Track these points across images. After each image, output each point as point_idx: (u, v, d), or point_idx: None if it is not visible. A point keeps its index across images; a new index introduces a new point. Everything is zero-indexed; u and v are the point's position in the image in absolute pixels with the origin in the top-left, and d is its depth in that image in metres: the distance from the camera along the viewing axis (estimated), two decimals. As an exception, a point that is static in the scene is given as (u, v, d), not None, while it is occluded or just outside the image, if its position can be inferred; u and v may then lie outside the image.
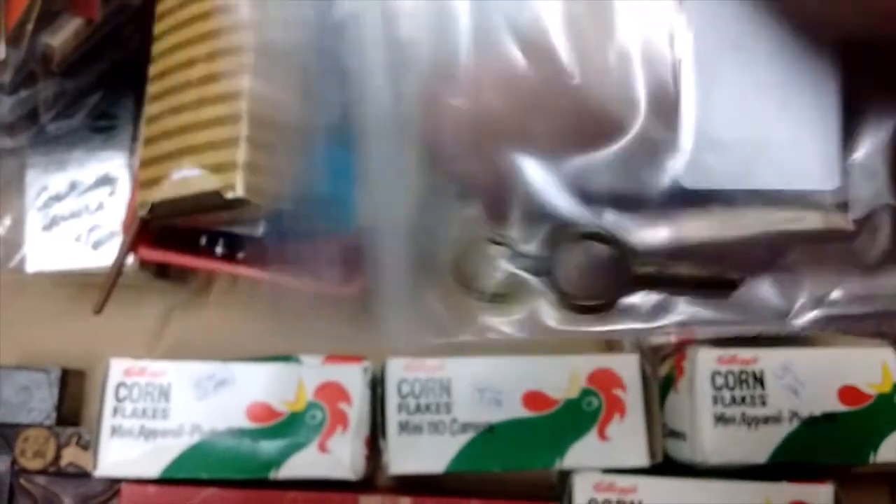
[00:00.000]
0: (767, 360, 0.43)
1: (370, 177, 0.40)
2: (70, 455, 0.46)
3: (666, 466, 0.44)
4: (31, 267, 0.47)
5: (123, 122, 0.49)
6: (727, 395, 0.43)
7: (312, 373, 0.44)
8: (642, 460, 0.43)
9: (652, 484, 0.42)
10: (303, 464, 0.43)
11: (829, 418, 0.43)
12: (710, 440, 0.42)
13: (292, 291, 0.49)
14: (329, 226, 0.41)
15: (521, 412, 0.43)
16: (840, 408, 0.43)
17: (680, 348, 0.45)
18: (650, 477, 0.43)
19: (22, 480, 0.46)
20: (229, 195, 0.38)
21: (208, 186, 0.39)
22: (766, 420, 0.43)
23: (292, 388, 0.44)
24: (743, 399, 0.43)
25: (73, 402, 0.49)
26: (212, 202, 0.39)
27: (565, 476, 0.44)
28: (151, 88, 0.43)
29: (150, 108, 0.43)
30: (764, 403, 0.43)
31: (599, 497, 0.42)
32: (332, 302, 0.50)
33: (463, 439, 0.43)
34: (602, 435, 0.43)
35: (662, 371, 0.47)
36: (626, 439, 0.43)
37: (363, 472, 0.43)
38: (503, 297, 0.42)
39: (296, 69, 0.41)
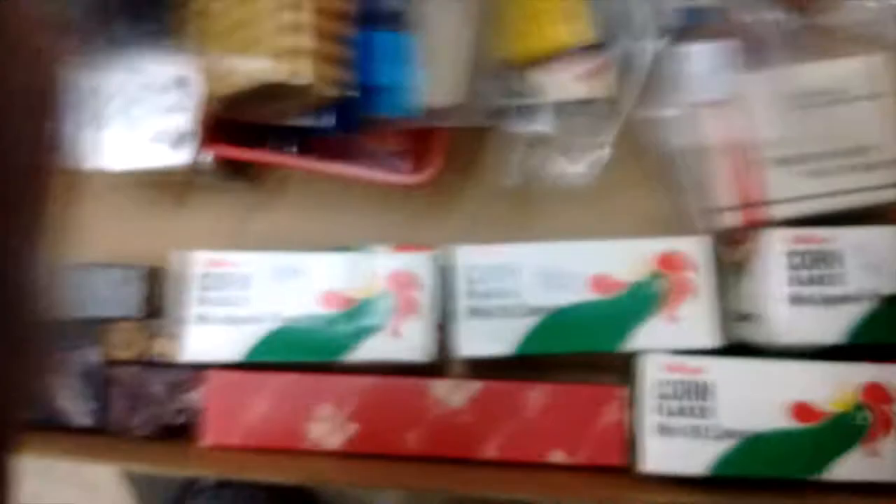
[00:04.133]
0: (846, 239, 0.42)
1: (433, 58, 0.40)
2: (159, 346, 0.49)
3: (737, 350, 0.44)
4: (112, 166, 0.49)
5: (167, 25, 0.50)
6: (804, 274, 0.42)
7: (384, 261, 0.45)
8: (712, 341, 0.43)
9: (721, 364, 0.42)
10: (376, 347, 0.44)
11: (910, 297, 0.42)
12: (784, 320, 0.42)
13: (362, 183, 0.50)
14: (392, 111, 0.41)
15: (589, 295, 0.44)
16: (922, 287, 0.42)
17: (752, 231, 0.45)
18: (720, 358, 0.43)
19: (114, 370, 0.49)
20: (296, 82, 0.39)
21: (276, 75, 0.40)
22: (845, 299, 0.42)
23: (365, 276, 0.45)
24: (821, 278, 0.42)
25: (159, 298, 0.51)
26: (280, 91, 0.40)
27: (635, 358, 0.44)
28: (215, -14, 0.44)
29: (213, 5, 0.44)
30: (842, 282, 0.42)
31: (668, 378, 0.42)
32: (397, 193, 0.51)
33: (531, 322, 0.44)
34: (670, 317, 0.43)
35: (736, 256, 0.47)
36: (696, 321, 0.43)
37: (434, 354, 0.44)
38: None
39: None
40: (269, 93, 0.41)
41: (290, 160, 0.47)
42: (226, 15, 0.43)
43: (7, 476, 0.20)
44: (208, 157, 0.47)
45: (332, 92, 0.40)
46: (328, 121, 0.42)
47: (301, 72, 0.39)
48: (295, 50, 0.39)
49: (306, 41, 0.39)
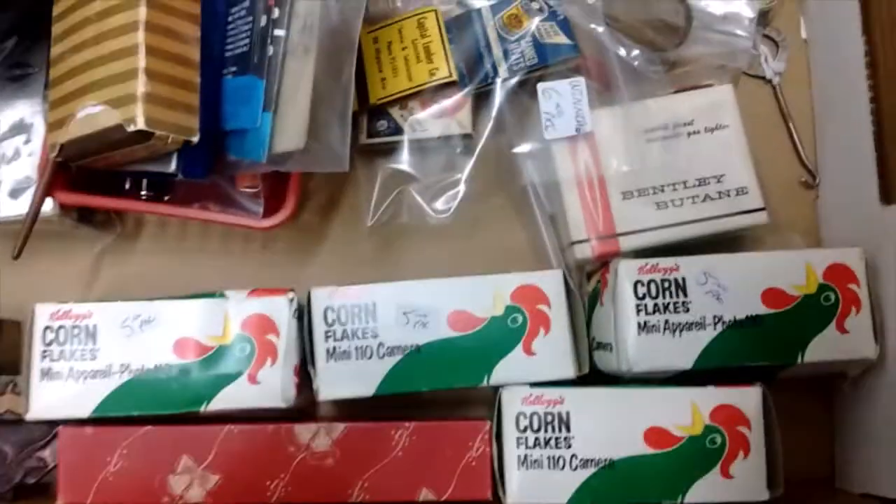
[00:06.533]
0: (689, 267, 0.44)
1: (278, 103, 0.40)
2: (7, 403, 0.46)
3: (596, 379, 0.45)
4: (-48, 219, 0.47)
5: (37, 70, 0.48)
6: (650, 303, 0.43)
7: (238, 307, 0.44)
8: (568, 372, 0.43)
9: (578, 394, 0.43)
10: (234, 396, 0.43)
11: (753, 321, 0.43)
12: (634, 348, 0.43)
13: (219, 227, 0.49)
14: (240, 155, 0.41)
15: (448, 332, 0.44)
16: (764, 310, 0.43)
17: (605, 263, 0.46)
18: (576, 388, 0.43)
19: (-38, 431, 0.47)
20: (131, 128, 0.38)
21: (111, 121, 0.39)
22: (690, 326, 0.43)
23: (219, 322, 0.44)
24: (666, 307, 0.43)
25: (10, 352, 0.49)
26: (117, 137, 0.39)
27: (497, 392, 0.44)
28: (55, 29, 0.43)
29: (54, 49, 0.43)
30: (687, 310, 0.43)
31: (527, 410, 0.43)
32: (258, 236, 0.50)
33: (390, 362, 0.43)
34: (528, 350, 0.44)
35: (589, 287, 0.48)
36: (552, 353, 0.44)
37: (294, 400, 0.43)
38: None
39: None
40: (110, 139, 0.39)
41: (139, 205, 0.46)
42: (64, 61, 0.42)
43: None
44: (51, 204, 0.45)
45: (173, 138, 0.39)
46: (170, 166, 0.41)
47: (135, 117, 0.38)
48: (129, 96, 0.38)
49: (140, 87, 0.38)
